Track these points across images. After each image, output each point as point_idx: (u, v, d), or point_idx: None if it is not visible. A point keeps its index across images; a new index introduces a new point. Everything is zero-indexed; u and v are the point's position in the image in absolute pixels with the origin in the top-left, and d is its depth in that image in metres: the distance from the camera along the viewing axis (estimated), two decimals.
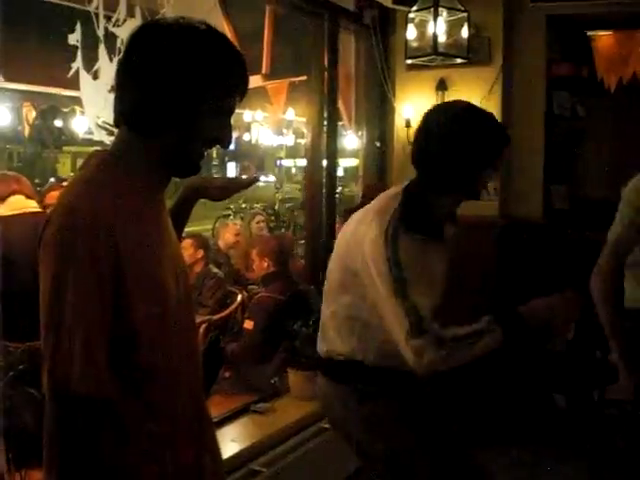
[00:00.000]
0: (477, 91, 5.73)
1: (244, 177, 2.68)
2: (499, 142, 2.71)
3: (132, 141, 1.75)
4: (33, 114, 7.54)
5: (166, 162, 1.76)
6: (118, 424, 1.62)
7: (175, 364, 1.75)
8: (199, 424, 1.86)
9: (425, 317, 2.50)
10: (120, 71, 1.75)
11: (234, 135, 8.78)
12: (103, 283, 1.58)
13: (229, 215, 12.43)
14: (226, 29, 6.50)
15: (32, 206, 4.10)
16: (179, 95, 1.69)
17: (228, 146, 1.85)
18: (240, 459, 3.90)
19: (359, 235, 2.64)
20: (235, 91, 1.79)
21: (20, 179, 4.29)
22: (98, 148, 1.89)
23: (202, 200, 2.14)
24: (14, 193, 4.16)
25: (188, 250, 6.05)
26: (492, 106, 5.67)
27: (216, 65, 1.71)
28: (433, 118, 2.70)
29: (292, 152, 27.12)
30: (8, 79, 5.66)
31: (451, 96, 5.78)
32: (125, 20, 4.88)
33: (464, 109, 2.74)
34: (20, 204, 4.11)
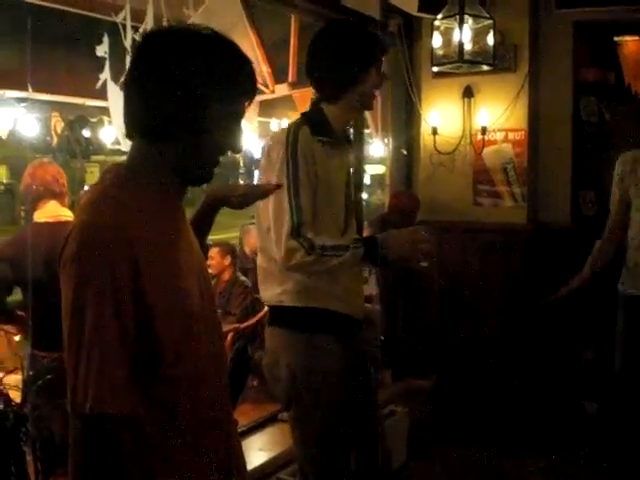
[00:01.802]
0: (503, 98, 5.71)
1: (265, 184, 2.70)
2: (369, 45, 2.93)
3: (145, 153, 1.75)
4: (61, 124, 7.58)
5: (180, 171, 1.76)
6: (141, 438, 1.61)
7: (200, 374, 1.75)
8: (226, 434, 1.86)
9: (305, 222, 2.72)
10: (128, 81, 1.75)
11: (260, 144, 8.79)
12: (123, 300, 1.58)
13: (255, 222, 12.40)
14: (252, 39, 6.53)
15: (66, 214, 4.10)
16: (186, 102, 1.68)
17: (239, 151, 1.85)
18: (267, 468, 3.91)
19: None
20: (244, 96, 1.79)
21: (59, 180, 4.26)
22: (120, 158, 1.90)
23: (228, 210, 2.15)
24: (52, 196, 4.15)
25: (215, 258, 6.08)
26: (519, 112, 5.68)
27: (223, 70, 1.71)
28: (316, 37, 3.01)
29: None
30: (37, 90, 5.69)
31: (477, 103, 5.79)
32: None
33: (343, 21, 3.19)
34: (55, 211, 4.11)
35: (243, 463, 2.00)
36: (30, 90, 5.81)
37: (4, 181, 23.82)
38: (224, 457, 1.84)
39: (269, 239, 2.84)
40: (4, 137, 6.55)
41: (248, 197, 2.26)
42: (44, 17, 5.32)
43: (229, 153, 1.83)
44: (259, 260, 3.05)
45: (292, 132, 2.84)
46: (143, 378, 1.62)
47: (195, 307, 1.74)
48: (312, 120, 2.92)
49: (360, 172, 3.22)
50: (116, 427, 1.56)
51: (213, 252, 6.13)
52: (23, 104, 6.36)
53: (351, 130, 3.08)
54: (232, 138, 1.80)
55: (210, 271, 6.20)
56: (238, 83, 1.76)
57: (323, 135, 2.89)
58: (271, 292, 2.95)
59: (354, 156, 3.16)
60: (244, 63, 1.77)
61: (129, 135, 1.79)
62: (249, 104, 1.83)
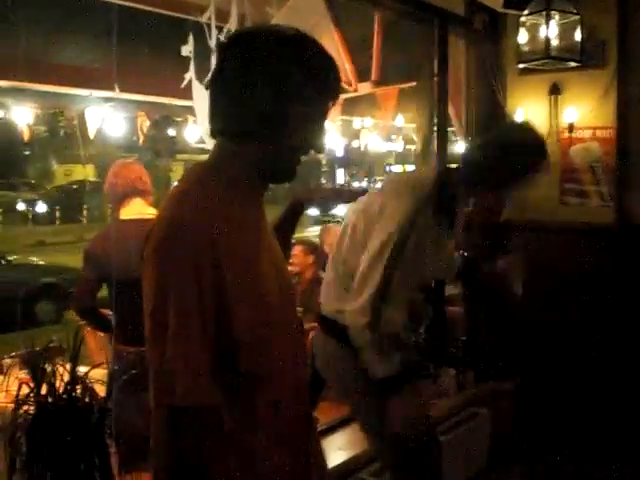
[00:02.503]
0: (591, 95, 5.59)
1: (352, 186, 2.71)
2: (538, 164, 3.10)
3: (228, 152, 1.76)
4: (147, 124, 7.71)
5: (263, 170, 1.77)
6: (221, 432, 1.63)
7: (278, 371, 1.75)
8: (306, 431, 1.87)
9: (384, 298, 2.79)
10: (213, 82, 1.76)
11: (343, 142, 8.81)
12: (204, 296, 1.59)
13: (338, 220, 12.46)
14: (335, 37, 6.53)
15: (151, 212, 4.15)
16: (272, 101, 1.69)
17: (321, 151, 1.84)
18: (348, 468, 3.90)
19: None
20: (328, 95, 1.78)
21: (143, 178, 4.31)
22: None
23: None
24: (137, 194, 4.23)
25: (299, 257, 6.10)
26: (607, 110, 5.54)
27: (309, 71, 1.71)
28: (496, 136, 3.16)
29: (401, 158, 27.11)
30: (123, 90, 5.82)
31: (564, 100, 5.68)
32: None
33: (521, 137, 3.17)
34: (140, 209, 4.17)
35: (323, 465, 1.99)
36: (117, 90, 5.95)
37: (92, 179, 24.45)
38: (305, 453, 1.84)
39: (354, 261, 2.93)
40: (92, 136, 6.69)
41: (334, 201, 2.26)
42: (130, 18, 5.43)
43: (312, 152, 1.82)
44: (330, 267, 3.15)
45: (416, 209, 2.87)
46: (222, 372, 1.64)
47: (272, 305, 1.74)
48: (439, 198, 2.96)
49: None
50: (201, 418, 1.58)
51: (297, 250, 6.15)
52: (110, 104, 6.50)
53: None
54: (315, 138, 1.80)
55: (293, 269, 6.23)
56: (323, 84, 1.75)
57: (442, 219, 2.97)
58: (331, 307, 3.06)
59: None
60: (330, 63, 1.77)
61: (213, 134, 1.81)
62: (333, 104, 1.82)
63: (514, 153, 3.02)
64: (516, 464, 5.10)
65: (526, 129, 3.26)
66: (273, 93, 1.69)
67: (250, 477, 1.70)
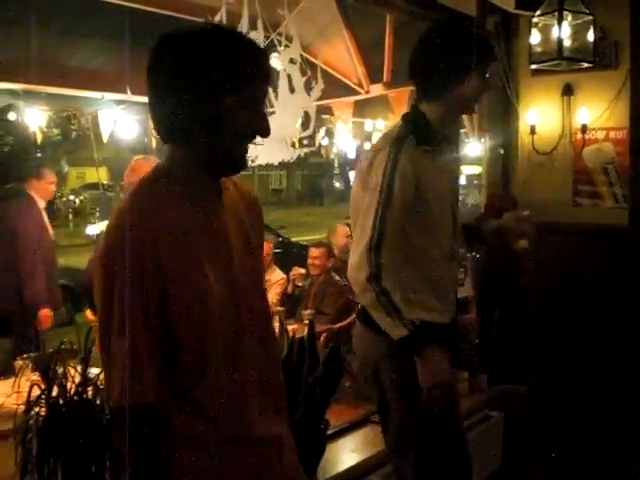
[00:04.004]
0: (604, 95, 5.56)
1: None
2: (476, 48, 2.85)
3: (177, 155, 1.80)
4: None
5: (214, 166, 1.80)
6: (169, 427, 1.72)
7: (224, 373, 1.78)
8: (268, 432, 1.87)
9: (382, 245, 2.67)
10: (147, 91, 1.79)
11: (355, 144, 8.79)
12: (146, 300, 1.66)
13: (350, 223, 12.43)
14: (347, 39, 6.54)
15: None
16: (205, 99, 1.71)
17: (267, 135, 1.83)
18: (360, 470, 3.89)
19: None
20: (259, 78, 1.80)
21: None
22: None
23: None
24: None
25: (320, 259, 6.09)
26: (620, 110, 5.52)
27: (234, 60, 1.73)
28: (425, 35, 3.01)
29: None
30: (135, 93, 5.83)
31: (577, 101, 5.66)
32: (248, 33, 4.95)
33: (454, 22, 3.32)
34: None
35: (290, 458, 1.97)
36: (129, 93, 5.96)
37: (104, 182, 24.51)
38: (263, 449, 1.86)
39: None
40: (105, 139, 6.71)
41: None
42: (141, 21, 5.44)
43: (257, 137, 1.84)
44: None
45: (391, 154, 2.77)
46: (166, 370, 1.70)
47: (216, 308, 1.76)
48: (415, 125, 2.87)
49: (457, 174, 3.17)
50: (139, 416, 1.65)
51: (318, 252, 6.14)
52: (122, 106, 6.51)
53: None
54: (256, 123, 1.81)
55: (308, 271, 6.21)
56: (252, 69, 1.77)
57: (428, 143, 2.85)
58: None
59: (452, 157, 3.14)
60: (253, 48, 1.79)
61: (162, 140, 1.84)
62: (268, 84, 1.84)
63: (453, 48, 2.90)
64: (530, 466, 5.08)
65: (446, 25, 3.24)
66: (205, 91, 1.72)
67: (204, 474, 1.76)
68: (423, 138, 2.83)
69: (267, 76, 1.83)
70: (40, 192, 6.02)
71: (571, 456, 5.13)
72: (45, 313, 5.72)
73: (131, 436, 1.63)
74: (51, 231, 6.09)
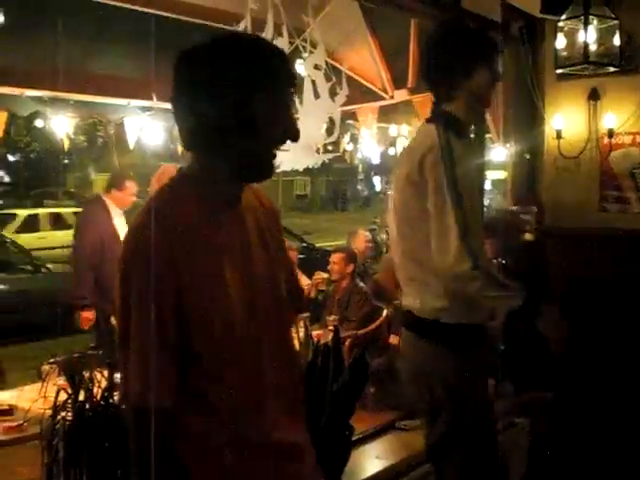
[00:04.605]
0: (631, 99, 5.52)
1: None
2: (476, 42, 2.98)
3: (201, 163, 1.80)
4: None
5: (239, 171, 1.79)
6: (186, 431, 1.73)
7: (242, 379, 1.78)
8: (285, 439, 1.86)
9: (470, 232, 2.70)
10: (173, 101, 1.80)
11: (380, 150, 8.78)
12: (162, 307, 1.67)
13: (374, 229, 12.45)
14: (372, 44, 6.54)
15: None
16: (232, 109, 1.71)
17: (296, 139, 1.83)
18: (384, 476, 3.88)
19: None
20: (284, 84, 1.79)
21: None
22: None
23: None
24: None
25: (339, 264, 6.08)
26: None
27: (253, 68, 1.72)
28: (427, 40, 3.10)
29: None
30: (161, 99, 5.86)
31: (604, 105, 5.62)
32: (273, 39, 4.97)
33: (450, 22, 3.38)
34: None
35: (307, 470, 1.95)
36: (155, 99, 5.99)
37: None
38: (282, 458, 1.85)
39: (426, 248, 2.81)
40: (131, 146, 6.75)
41: None
42: (167, 28, 5.46)
43: (287, 142, 1.82)
44: (410, 270, 3.01)
45: (443, 139, 2.83)
46: (183, 373, 1.72)
47: (235, 315, 1.76)
48: (447, 122, 2.92)
49: (483, 168, 3.25)
50: (151, 419, 1.64)
51: (337, 258, 6.13)
52: (148, 113, 6.54)
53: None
54: (285, 128, 1.81)
55: (330, 276, 6.21)
56: (271, 76, 1.76)
57: (464, 136, 2.95)
58: (429, 306, 2.91)
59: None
60: (275, 52, 1.79)
61: (186, 148, 1.84)
62: (293, 89, 1.83)
63: (453, 46, 2.97)
64: (555, 473, 5.05)
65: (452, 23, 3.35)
66: (231, 99, 1.71)
67: (221, 477, 1.76)
68: (459, 131, 2.90)
69: (292, 81, 1.82)
70: (117, 201, 6.11)
71: (596, 464, 5.09)
72: (85, 315, 5.87)
73: (147, 440, 1.64)
74: (121, 238, 6.18)
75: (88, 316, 5.88)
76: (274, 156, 1.82)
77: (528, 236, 3.12)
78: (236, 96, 1.71)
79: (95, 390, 2.79)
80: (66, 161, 29.98)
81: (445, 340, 2.89)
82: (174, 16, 5.49)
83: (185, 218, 1.73)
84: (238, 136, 1.74)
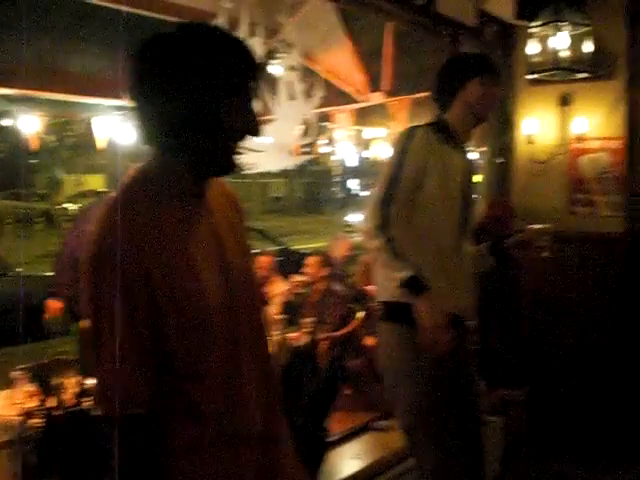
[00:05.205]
0: (600, 106, 5.60)
1: None
2: (469, 58, 3.38)
3: (160, 154, 1.74)
4: None
5: (200, 167, 1.74)
6: (161, 432, 1.68)
7: (222, 371, 1.74)
8: (265, 431, 1.84)
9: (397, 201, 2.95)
10: (130, 98, 1.73)
11: (355, 152, 8.77)
12: (134, 305, 1.62)
13: (352, 232, 12.43)
14: (347, 46, 6.54)
15: None
16: (190, 103, 1.66)
17: (258, 135, 1.78)
18: (360, 477, 3.89)
19: None
20: (246, 77, 1.73)
21: None
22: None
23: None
24: None
25: (312, 268, 6.07)
26: (616, 121, 5.55)
27: (217, 60, 1.67)
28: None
29: None
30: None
31: (574, 111, 5.69)
32: (247, 39, 4.96)
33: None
34: None
35: (288, 467, 1.94)
36: (125, 99, 5.94)
37: (101, 189, 24.43)
38: (260, 456, 1.82)
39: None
40: (102, 146, 6.67)
41: None
42: (139, 26, 5.42)
43: (249, 138, 1.77)
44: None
45: (409, 129, 3.13)
46: (160, 376, 1.67)
47: (213, 306, 1.72)
48: (435, 124, 3.17)
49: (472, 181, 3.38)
50: (129, 425, 1.62)
51: (311, 261, 6.13)
52: (119, 112, 6.48)
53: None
54: (247, 123, 1.75)
55: (304, 279, 6.20)
56: (237, 68, 1.70)
57: (446, 135, 3.12)
58: (380, 290, 3.11)
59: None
60: (237, 45, 1.72)
61: (146, 143, 1.77)
62: (256, 83, 1.76)
63: (451, 63, 3.33)
64: (529, 471, 5.09)
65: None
66: (189, 95, 1.65)
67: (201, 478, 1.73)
68: (441, 130, 3.13)
69: (253, 73, 1.75)
70: None
71: (570, 461, 5.15)
72: (52, 304, 5.76)
73: (123, 445, 1.62)
74: None
75: (54, 305, 5.72)
76: (235, 152, 1.76)
77: (545, 253, 3.29)
78: (190, 89, 1.65)
79: (66, 396, 2.76)
80: (35, 161, 29.70)
81: (387, 317, 3.08)
82: (147, 14, 5.44)
83: (150, 213, 1.68)
84: (194, 131, 1.68)
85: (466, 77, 3.16)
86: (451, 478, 3.04)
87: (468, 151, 3.31)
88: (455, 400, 3.08)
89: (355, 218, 12.90)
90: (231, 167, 1.78)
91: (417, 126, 3.15)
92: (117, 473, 1.65)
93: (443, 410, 3.01)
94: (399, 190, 2.96)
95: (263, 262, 6.34)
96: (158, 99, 1.67)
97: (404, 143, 3.06)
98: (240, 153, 1.78)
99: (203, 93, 1.66)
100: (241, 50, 1.72)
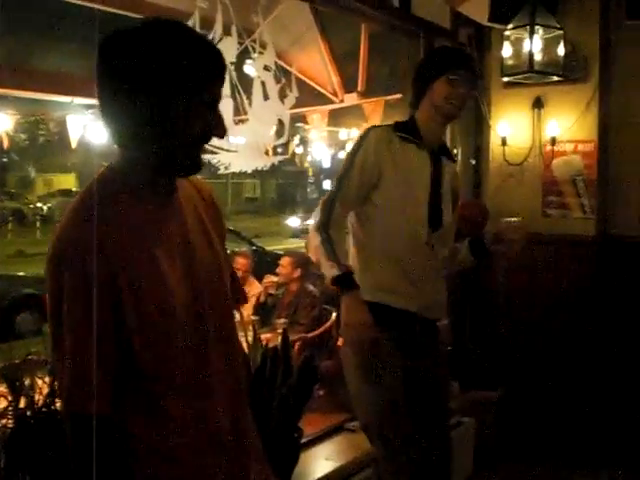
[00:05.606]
0: (573, 108, 5.63)
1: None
2: (437, 57, 3.38)
3: (126, 158, 1.72)
4: None
5: (163, 167, 1.72)
6: (126, 435, 1.67)
7: (189, 374, 1.72)
8: (234, 436, 1.82)
9: (339, 203, 3.06)
10: (97, 97, 1.71)
11: (330, 153, 8.78)
12: (97, 304, 1.58)
13: None
14: (322, 48, 6.53)
15: None
16: (153, 103, 1.63)
17: (223, 136, 1.76)
18: (333, 478, 3.89)
19: None
20: (210, 78, 1.71)
21: None
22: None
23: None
24: None
25: (286, 268, 6.08)
26: (589, 124, 5.59)
27: (181, 60, 1.64)
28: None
29: None
30: None
31: (547, 113, 5.72)
32: (221, 39, 4.95)
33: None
34: None
35: (262, 468, 1.93)
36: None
37: (73, 189, 24.25)
38: (229, 459, 1.80)
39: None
40: (74, 145, 6.61)
41: None
42: (113, 25, 5.39)
43: (213, 138, 1.75)
44: None
45: (366, 130, 3.21)
46: (123, 375, 1.66)
47: (177, 307, 1.69)
48: (401, 122, 3.20)
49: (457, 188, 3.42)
50: (90, 426, 1.59)
51: (284, 262, 6.13)
52: (92, 111, 6.42)
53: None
54: (211, 124, 1.72)
55: (278, 279, 6.20)
56: (201, 69, 1.67)
57: (407, 133, 3.15)
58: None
59: (451, 171, 3.36)
60: (203, 45, 1.70)
61: (114, 142, 1.75)
62: (221, 83, 1.74)
63: (422, 62, 3.49)
64: (500, 472, 5.11)
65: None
66: (152, 94, 1.63)
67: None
68: (403, 128, 3.16)
69: (217, 72, 1.71)
70: None
71: (540, 462, 5.18)
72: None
73: (85, 448, 1.59)
74: None
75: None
76: (199, 152, 1.73)
77: (517, 247, 3.33)
78: (149, 87, 1.62)
79: (37, 397, 2.73)
80: (5, 160, 29.43)
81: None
82: (120, 12, 5.40)
83: (117, 215, 1.65)
84: (155, 130, 1.66)
85: (433, 76, 3.16)
86: (400, 475, 3.07)
87: (442, 151, 3.30)
88: (418, 401, 3.11)
89: None
90: (194, 167, 1.75)
91: (375, 126, 3.24)
92: (78, 475, 1.63)
93: (398, 411, 3.04)
94: (342, 190, 3.05)
95: (239, 263, 6.34)
96: (118, 96, 1.65)
97: (357, 144, 3.13)
98: (204, 153, 1.76)
99: (163, 92, 1.63)
100: (204, 48, 1.70)
